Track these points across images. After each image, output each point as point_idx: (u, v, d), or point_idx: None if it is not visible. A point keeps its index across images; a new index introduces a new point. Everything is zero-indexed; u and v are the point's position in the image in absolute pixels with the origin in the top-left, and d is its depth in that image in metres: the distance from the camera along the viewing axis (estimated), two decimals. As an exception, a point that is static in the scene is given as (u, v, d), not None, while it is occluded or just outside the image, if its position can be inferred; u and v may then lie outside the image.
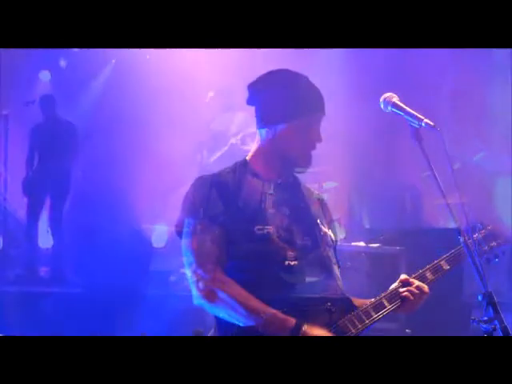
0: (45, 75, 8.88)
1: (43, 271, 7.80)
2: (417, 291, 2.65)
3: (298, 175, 2.82)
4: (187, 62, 7.63)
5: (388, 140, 7.16)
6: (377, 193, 7.68)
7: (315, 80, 2.72)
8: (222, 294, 2.46)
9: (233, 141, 7.23)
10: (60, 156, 7.67)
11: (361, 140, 7.43)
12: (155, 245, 7.84)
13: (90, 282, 6.64)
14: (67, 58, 8.02)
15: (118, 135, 7.98)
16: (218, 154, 7.32)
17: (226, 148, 7.36)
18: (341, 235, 6.36)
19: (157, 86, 7.97)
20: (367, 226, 6.98)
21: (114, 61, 8.79)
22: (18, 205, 8.02)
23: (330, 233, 2.77)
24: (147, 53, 8.31)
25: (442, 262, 2.77)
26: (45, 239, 8.13)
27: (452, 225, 2.32)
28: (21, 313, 5.87)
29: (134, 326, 5.54)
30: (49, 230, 7.98)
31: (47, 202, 7.87)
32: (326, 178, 7.37)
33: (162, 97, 7.93)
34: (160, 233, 7.80)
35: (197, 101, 7.78)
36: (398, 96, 2.52)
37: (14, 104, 7.80)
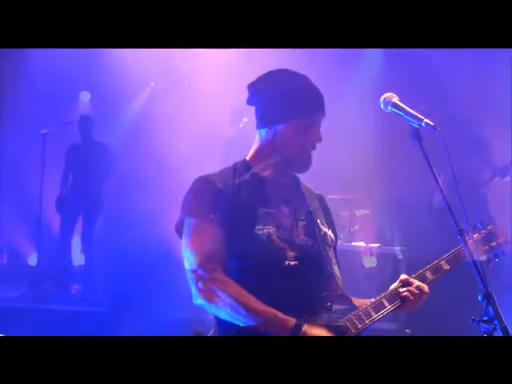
0: (85, 96, 8.94)
1: (74, 289, 7.93)
2: (417, 291, 2.65)
3: (298, 175, 2.82)
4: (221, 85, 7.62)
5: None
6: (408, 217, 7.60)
7: (315, 80, 2.72)
8: (221, 294, 2.46)
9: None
10: (93, 176, 7.85)
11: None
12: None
13: (115, 301, 6.71)
14: (107, 79, 8.06)
15: (150, 157, 8.04)
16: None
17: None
18: (372, 264, 6.31)
19: (193, 111, 8.00)
20: (399, 257, 6.92)
21: (153, 83, 8.81)
22: (53, 222, 8.12)
23: (329, 233, 2.77)
24: (186, 77, 8.33)
25: (441, 262, 2.77)
26: (78, 257, 8.23)
27: (452, 225, 2.32)
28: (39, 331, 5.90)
29: (134, 326, 5.54)
30: (82, 248, 8.11)
31: (79, 221, 8.02)
32: (358, 206, 7.37)
33: (197, 123, 7.95)
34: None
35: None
36: (398, 96, 2.52)
37: (53, 124, 7.90)
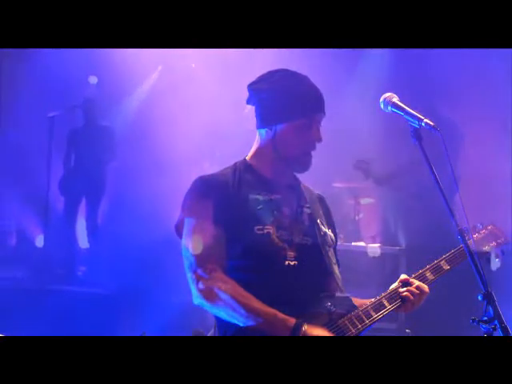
0: (92, 79, 8.91)
1: (80, 271, 7.96)
2: (417, 291, 2.65)
3: (298, 175, 2.82)
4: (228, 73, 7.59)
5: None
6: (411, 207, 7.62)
7: (315, 80, 2.73)
8: (221, 294, 2.46)
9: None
10: (96, 159, 7.83)
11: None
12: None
13: (117, 284, 6.73)
14: (115, 63, 8.05)
15: (158, 143, 8.02)
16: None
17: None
18: (375, 254, 6.32)
19: (201, 95, 7.97)
20: (399, 257, 6.95)
21: (160, 68, 8.79)
22: (60, 205, 8.14)
23: (329, 233, 2.78)
24: (192, 61, 8.31)
25: (441, 262, 2.77)
26: (83, 240, 8.27)
27: (452, 225, 2.32)
28: (43, 311, 5.94)
29: (133, 327, 5.56)
30: (85, 231, 8.13)
31: (83, 204, 8.04)
32: (363, 194, 7.37)
33: (203, 106, 7.92)
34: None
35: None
36: (398, 96, 2.52)
37: (61, 107, 7.88)
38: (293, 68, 2.75)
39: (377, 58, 7.52)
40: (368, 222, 7.50)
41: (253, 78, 2.77)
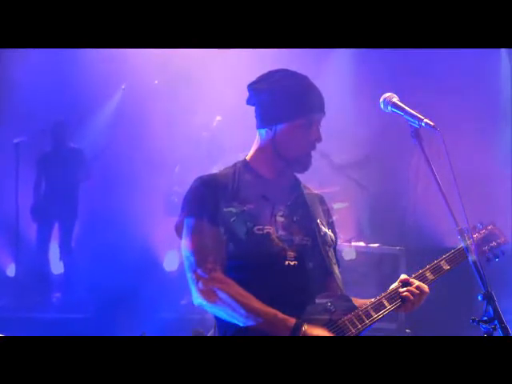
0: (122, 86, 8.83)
1: (55, 297, 7.86)
2: (417, 291, 2.64)
3: (298, 175, 2.82)
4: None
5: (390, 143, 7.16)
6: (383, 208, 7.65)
7: (315, 80, 2.72)
8: (221, 294, 2.46)
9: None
10: (66, 182, 7.77)
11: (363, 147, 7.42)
12: (167, 268, 7.86)
13: (96, 307, 6.69)
14: (77, 84, 8.00)
15: (126, 158, 8.02)
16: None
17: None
18: (352, 256, 6.34)
19: (168, 111, 7.98)
20: (400, 257, 6.98)
21: (123, 86, 8.77)
22: (30, 232, 8.06)
23: (329, 233, 2.77)
24: (155, 78, 8.31)
25: (441, 262, 2.77)
26: (57, 265, 8.17)
27: (452, 225, 2.32)
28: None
29: (134, 326, 5.55)
30: (60, 256, 8.04)
31: (56, 228, 7.95)
32: (336, 199, 7.39)
33: (173, 121, 7.93)
34: (172, 256, 7.79)
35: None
36: (398, 96, 2.52)
37: (26, 132, 7.83)
38: (293, 68, 2.75)
39: (377, 58, 7.52)
40: (343, 226, 7.53)
41: (252, 78, 2.77)
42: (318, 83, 2.72)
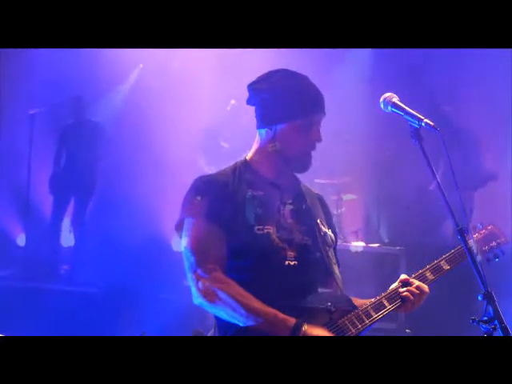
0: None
1: (63, 269, 7.91)
2: (417, 291, 2.64)
3: (297, 175, 2.82)
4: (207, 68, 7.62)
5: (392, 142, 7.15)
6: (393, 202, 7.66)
7: (315, 80, 2.72)
8: (221, 294, 2.46)
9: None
10: (87, 157, 7.79)
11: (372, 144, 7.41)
12: (175, 248, 7.85)
13: (105, 282, 6.69)
14: (97, 59, 8.00)
15: (144, 140, 8.01)
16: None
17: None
18: (358, 248, 6.35)
19: (186, 91, 7.97)
20: (386, 240, 6.97)
21: (141, 65, 8.78)
22: (41, 203, 8.07)
23: (329, 233, 2.77)
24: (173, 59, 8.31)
25: (441, 262, 2.77)
26: (67, 238, 8.21)
27: (452, 225, 2.32)
28: (31, 309, 5.91)
29: (134, 326, 5.54)
30: (71, 229, 8.09)
31: (72, 202, 7.99)
32: (346, 190, 7.39)
33: (190, 101, 7.92)
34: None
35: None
36: (398, 96, 2.52)
37: (41, 104, 7.84)
38: (293, 68, 2.75)
39: (377, 58, 7.52)
40: (350, 218, 7.54)
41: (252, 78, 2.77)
42: (318, 83, 2.72)
